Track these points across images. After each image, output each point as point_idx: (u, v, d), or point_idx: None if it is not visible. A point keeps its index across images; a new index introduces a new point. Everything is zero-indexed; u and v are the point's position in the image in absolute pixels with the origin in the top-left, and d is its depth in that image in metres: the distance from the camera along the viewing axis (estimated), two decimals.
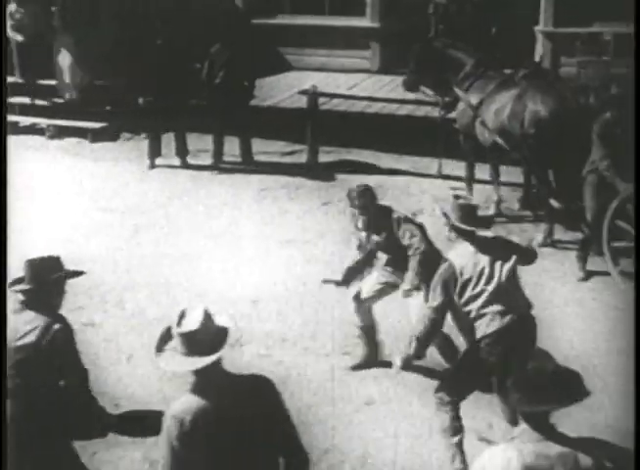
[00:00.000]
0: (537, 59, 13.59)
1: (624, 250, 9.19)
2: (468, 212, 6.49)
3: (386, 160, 12.84)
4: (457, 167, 11.71)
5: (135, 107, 12.77)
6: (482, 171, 11.25)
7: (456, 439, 6.36)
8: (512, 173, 11.34)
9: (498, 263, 6.36)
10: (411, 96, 12.53)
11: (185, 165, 12.72)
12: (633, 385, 5.81)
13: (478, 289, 6.31)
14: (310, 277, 9.39)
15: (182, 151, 12.74)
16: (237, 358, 7.94)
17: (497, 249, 6.44)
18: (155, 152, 12.68)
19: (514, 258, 6.41)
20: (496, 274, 6.33)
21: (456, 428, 6.37)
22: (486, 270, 6.31)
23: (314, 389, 7.40)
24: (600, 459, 4.08)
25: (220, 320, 4.73)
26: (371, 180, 12.00)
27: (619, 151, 8.90)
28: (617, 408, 7.15)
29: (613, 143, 8.97)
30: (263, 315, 8.69)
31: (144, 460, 6.67)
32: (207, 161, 12.86)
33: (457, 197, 6.82)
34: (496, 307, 6.29)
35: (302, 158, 12.96)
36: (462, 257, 6.39)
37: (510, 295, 6.36)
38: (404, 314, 7.73)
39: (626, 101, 9.08)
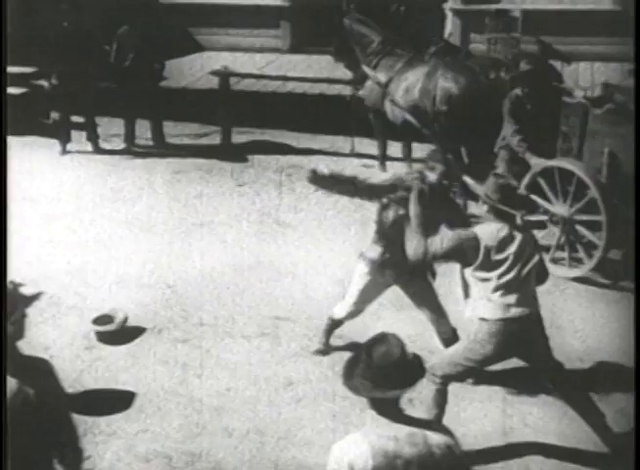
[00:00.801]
0: (447, 36, 13.71)
1: (537, 223, 9.32)
2: (509, 194, 6.22)
3: (299, 139, 12.81)
4: (371, 145, 11.74)
5: (43, 91, 12.53)
6: (395, 149, 11.31)
7: (434, 413, 6.30)
8: (425, 150, 11.42)
9: (525, 255, 6.14)
10: (324, 74, 12.57)
11: (97, 151, 12.52)
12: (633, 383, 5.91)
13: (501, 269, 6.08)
14: (226, 260, 9.36)
15: (93, 136, 12.54)
16: (154, 344, 7.92)
17: (530, 241, 6.25)
18: (65, 137, 12.46)
19: (537, 257, 6.24)
20: (519, 264, 6.12)
21: (438, 402, 6.31)
22: (512, 257, 6.07)
23: (234, 371, 7.37)
24: (448, 436, 4.16)
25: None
26: (286, 160, 12.08)
27: (530, 126, 9.02)
28: None
29: (523, 119, 9.07)
30: (180, 300, 8.62)
31: None
32: (120, 145, 12.70)
33: (497, 175, 6.58)
34: (511, 297, 6.12)
35: (216, 139, 12.86)
36: (489, 235, 6.09)
37: (525, 288, 6.22)
38: None
39: (537, 76, 9.21)
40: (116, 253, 9.56)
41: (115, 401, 7.09)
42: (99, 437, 6.70)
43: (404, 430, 4.10)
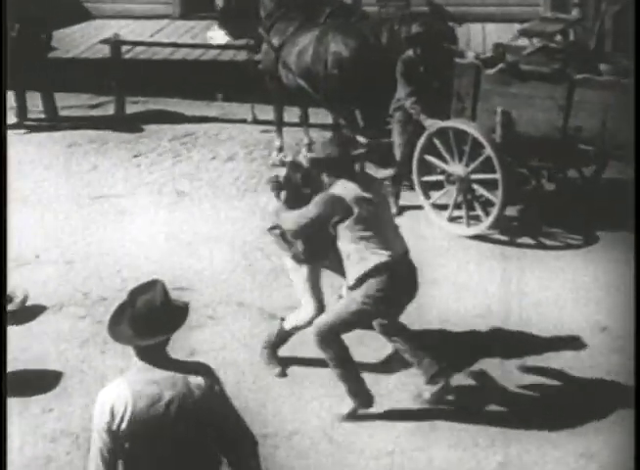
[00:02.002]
0: None
1: (434, 183, 9.43)
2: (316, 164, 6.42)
3: (194, 107, 12.70)
4: (267, 111, 11.68)
5: None
6: (292, 114, 11.28)
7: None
8: (321, 115, 11.41)
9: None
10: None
11: None
12: (633, 383, 6.00)
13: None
14: (125, 232, 9.26)
15: (6, 110, 12.18)
16: (56, 321, 7.81)
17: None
18: None
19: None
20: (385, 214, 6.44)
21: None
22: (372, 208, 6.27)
23: None
24: (209, 378, 4.28)
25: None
26: (181, 129, 11.97)
27: (423, 88, 9.08)
28: None
29: (416, 81, 9.13)
30: (80, 275, 8.51)
31: None
32: (12, 119, 12.37)
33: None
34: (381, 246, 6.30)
35: (109, 110, 12.66)
36: (348, 191, 6.25)
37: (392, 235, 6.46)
38: None
39: (428, 39, 9.26)
40: (12, 230, 9.36)
41: (23, 381, 7.01)
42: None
43: (165, 374, 4.20)
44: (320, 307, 6.86)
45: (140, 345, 4.21)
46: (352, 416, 6.58)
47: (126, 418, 4.15)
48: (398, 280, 6.36)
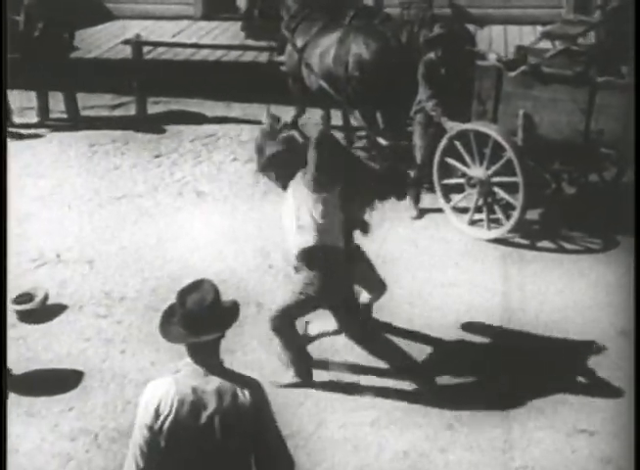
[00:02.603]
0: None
1: (455, 186, 9.42)
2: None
3: (215, 108, 12.72)
4: (287, 112, 11.67)
5: None
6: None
7: None
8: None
9: None
10: (237, 41, 12.46)
11: (10, 125, 12.23)
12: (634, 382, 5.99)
13: None
14: (145, 232, 9.29)
15: (6, 109, 12.24)
16: (76, 321, 7.84)
17: None
18: None
19: None
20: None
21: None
22: None
23: (157, 346, 7.32)
24: (258, 395, 4.25)
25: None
26: (202, 130, 11.99)
27: (444, 91, 9.07)
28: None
29: (437, 83, 9.11)
30: (101, 275, 8.54)
31: None
32: (34, 119, 12.44)
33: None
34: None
35: (131, 110, 12.69)
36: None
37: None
38: None
39: (451, 40, 9.25)
40: (33, 229, 9.42)
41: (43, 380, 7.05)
42: (22, 417, 6.65)
43: (215, 382, 4.19)
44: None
45: (194, 342, 4.20)
46: (290, 386, 6.85)
47: (168, 420, 4.15)
48: (326, 271, 6.50)
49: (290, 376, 6.91)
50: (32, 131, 12.08)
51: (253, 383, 4.30)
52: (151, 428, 4.17)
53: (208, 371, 4.22)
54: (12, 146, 11.53)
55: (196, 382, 4.19)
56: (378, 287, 7.29)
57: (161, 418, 4.16)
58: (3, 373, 6.02)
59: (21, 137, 11.79)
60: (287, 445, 4.38)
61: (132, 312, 7.90)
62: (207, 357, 4.24)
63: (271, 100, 11.86)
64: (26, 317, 7.83)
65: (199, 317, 4.19)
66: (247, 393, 4.21)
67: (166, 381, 4.22)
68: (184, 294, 4.25)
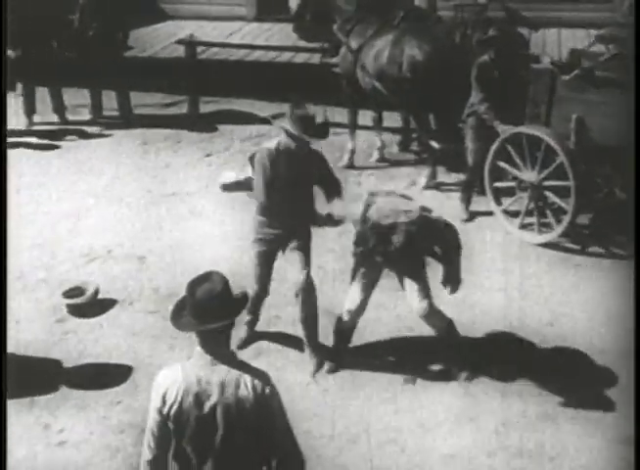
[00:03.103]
0: (417, 2, 13.63)
1: (506, 189, 9.37)
2: (308, 124, 6.77)
3: (267, 108, 12.74)
4: (339, 114, 11.67)
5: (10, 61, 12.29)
6: (364, 117, 11.27)
7: None
8: (394, 118, 11.40)
9: None
10: (290, 43, 12.49)
11: (64, 122, 12.37)
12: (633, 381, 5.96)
13: None
14: (195, 230, 9.34)
15: (60, 107, 12.38)
16: (125, 316, 7.91)
17: None
18: (30, 109, 12.27)
19: None
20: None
21: None
22: None
23: None
24: (264, 389, 4.32)
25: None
26: (253, 130, 12.03)
27: (498, 93, 9.03)
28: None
29: (491, 86, 9.07)
30: (150, 271, 8.61)
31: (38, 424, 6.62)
32: (86, 116, 12.56)
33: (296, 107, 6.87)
34: None
35: (183, 109, 12.78)
36: None
37: None
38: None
39: (505, 43, 9.21)
40: (85, 225, 9.52)
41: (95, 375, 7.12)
42: (71, 409, 6.71)
43: (221, 373, 4.30)
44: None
45: (203, 329, 4.32)
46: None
47: (174, 407, 4.30)
48: None
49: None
50: (85, 128, 12.21)
51: (262, 376, 4.38)
52: (160, 412, 4.33)
53: (217, 360, 4.33)
54: (64, 144, 11.70)
55: (202, 372, 4.31)
56: None
57: (168, 404, 4.30)
58: (3, 373, 6.08)
59: (83, 135, 11.95)
60: (297, 443, 4.42)
61: None
62: (217, 347, 4.35)
63: (323, 101, 11.91)
64: (76, 311, 7.91)
65: (207, 306, 4.32)
66: (251, 386, 4.30)
67: (175, 368, 4.38)
68: (194, 285, 4.38)
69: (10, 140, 11.13)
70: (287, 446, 4.39)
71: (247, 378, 4.31)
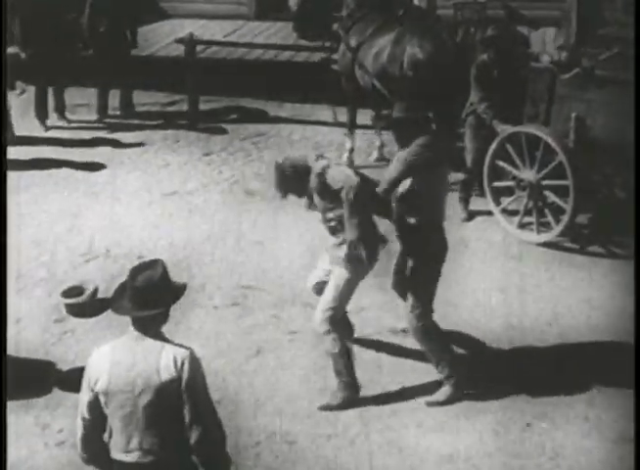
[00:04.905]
0: (416, 1, 13.61)
1: (505, 189, 9.36)
2: None
3: (267, 107, 12.75)
4: (340, 113, 11.66)
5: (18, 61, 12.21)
6: (365, 116, 11.26)
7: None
8: None
9: None
10: (290, 41, 12.48)
11: (66, 121, 12.27)
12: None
13: None
14: (195, 229, 9.34)
15: (60, 106, 12.31)
16: (124, 316, 7.87)
17: None
18: (44, 112, 12.09)
19: None
20: None
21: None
22: None
23: (204, 341, 7.37)
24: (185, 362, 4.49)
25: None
26: (253, 129, 12.03)
27: (497, 92, 9.02)
28: None
29: (490, 85, 9.07)
30: None
31: (36, 424, 6.62)
32: (87, 115, 12.50)
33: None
34: None
35: (183, 108, 12.76)
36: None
37: None
38: None
39: (504, 42, 9.20)
40: (84, 224, 9.51)
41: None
42: (70, 410, 6.70)
43: (146, 345, 4.51)
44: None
45: (137, 316, 4.52)
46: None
47: (101, 380, 4.51)
48: None
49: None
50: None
51: (183, 351, 4.53)
52: (88, 387, 4.56)
53: (146, 336, 4.53)
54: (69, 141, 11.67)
55: (129, 346, 4.54)
56: None
57: (95, 378, 4.53)
58: (3, 373, 6.08)
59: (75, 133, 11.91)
60: (218, 418, 4.59)
61: (178, 308, 7.90)
62: (149, 329, 4.55)
63: (323, 100, 11.93)
64: (75, 311, 7.90)
65: (144, 293, 4.51)
66: (172, 356, 4.48)
67: (105, 347, 4.62)
68: (135, 271, 4.59)
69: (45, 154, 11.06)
70: (207, 419, 4.52)
71: (168, 348, 4.51)
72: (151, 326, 4.55)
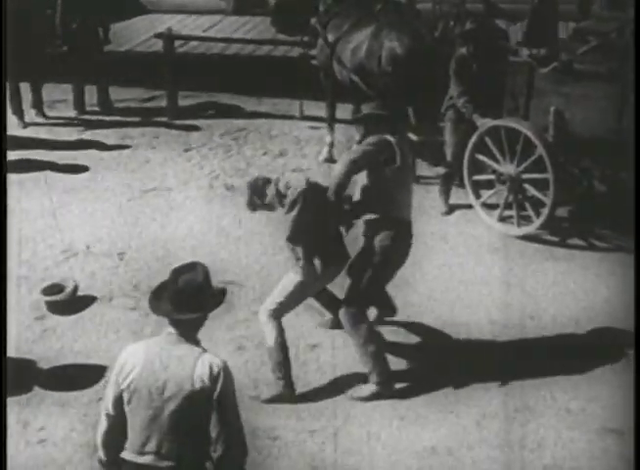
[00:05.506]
0: None
1: (485, 183, 9.38)
2: None
3: (246, 102, 12.72)
4: (318, 108, 11.66)
5: None
6: (344, 111, 11.26)
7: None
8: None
9: None
10: (269, 36, 12.46)
11: (45, 117, 12.21)
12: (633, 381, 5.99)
13: None
14: (175, 225, 9.31)
15: (38, 103, 12.25)
16: (105, 313, 7.88)
17: None
18: (18, 108, 12.02)
19: None
20: None
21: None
22: None
23: None
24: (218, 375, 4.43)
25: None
26: (233, 124, 12.00)
27: (476, 86, 9.04)
28: None
29: (469, 79, 9.08)
30: (130, 267, 8.58)
31: (18, 422, 6.60)
32: (65, 112, 12.43)
33: None
34: None
35: (162, 103, 12.68)
36: None
37: None
38: None
39: (483, 36, 9.22)
40: (64, 221, 9.47)
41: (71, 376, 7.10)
42: (51, 407, 6.69)
43: (183, 350, 4.46)
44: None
45: (177, 318, 4.46)
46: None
47: (130, 376, 4.45)
48: None
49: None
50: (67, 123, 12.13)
51: (220, 363, 4.47)
52: (116, 382, 4.50)
53: (182, 338, 4.48)
54: (46, 137, 11.60)
55: (165, 346, 4.46)
56: None
57: (124, 374, 4.47)
58: (3, 373, 6.06)
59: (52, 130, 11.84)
60: (243, 433, 4.52)
61: None
62: (186, 332, 4.48)
63: (302, 95, 11.92)
64: (56, 308, 7.87)
65: (186, 296, 4.48)
66: (208, 364, 4.42)
67: (140, 343, 4.58)
68: (177, 272, 4.54)
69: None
70: (233, 435, 4.46)
71: (205, 357, 4.45)
72: (189, 330, 4.50)
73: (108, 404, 4.54)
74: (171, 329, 4.50)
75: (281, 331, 6.80)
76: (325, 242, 6.76)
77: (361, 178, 6.80)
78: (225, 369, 4.45)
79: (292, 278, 6.83)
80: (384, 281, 6.95)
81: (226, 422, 4.43)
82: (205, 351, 4.50)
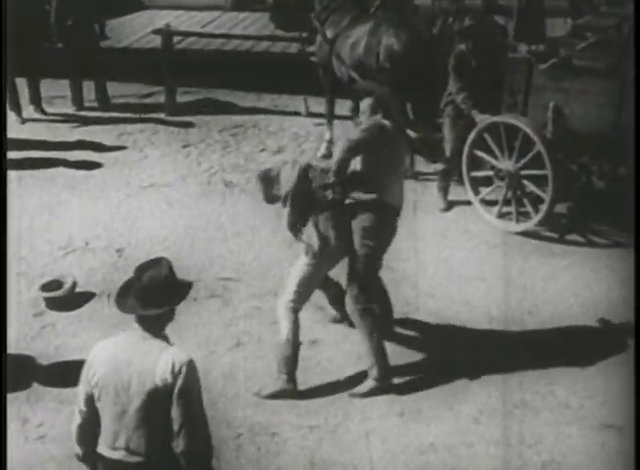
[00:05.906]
0: None
1: (484, 179, 9.38)
2: None
3: (244, 98, 12.71)
4: (318, 104, 11.65)
5: None
6: (343, 107, 11.25)
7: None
8: None
9: None
10: (267, 32, 12.46)
11: (43, 113, 12.20)
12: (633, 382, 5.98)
13: None
14: (174, 221, 9.31)
15: (36, 99, 12.23)
16: (103, 309, 7.87)
17: None
18: (16, 104, 12.02)
19: None
20: None
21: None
22: None
23: (184, 333, 7.34)
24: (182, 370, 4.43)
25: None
26: (231, 120, 11.99)
27: (475, 83, 9.03)
28: None
29: (468, 75, 9.08)
30: (129, 263, 8.55)
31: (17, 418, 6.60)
32: (63, 108, 12.42)
33: None
34: None
35: (160, 100, 12.69)
36: None
37: None
38: None
39: (481, 32, 9.22)
40: (62, 217, 9.47)
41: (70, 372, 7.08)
42: (50, 404, 6.69)
43: (148, 345, 4.49)
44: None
45: (143, 314, 4.50)
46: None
47: (98, 374, 4.52)
48: None
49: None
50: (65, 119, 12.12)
51: (183, 358, 4.47)
52: (86, 378, 4.57)
53: (149, 334, 4.52)
54: (45, 133, 11.59)
55: (131, 343, 4.51)
56: None
57: (92, 371, 4.55)
58: (3, 370, 6.06)
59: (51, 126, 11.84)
60: (207, 429, 4.54)
61: None
62: (152, 328, 4.54)
63: (303, 91, 11.90)
64: (54, 305, 7.87)
65: (151, 292, 4.51)
66: (171, 360, 4.43)
67: (109, 340, 4.62)
68: (142, 269, 4.58)
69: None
70: (196, 431, 4.46)
71: (169, 352, 4.47)
72: (155, 325, 4.54)
73: (80, 401, 4.61)
74: (137, 325, 4.55)
75: (297, 327, 6.82)
76: (325, 223, 6.86)
77: (355, 161, 6.84)
78: (189, 364, 4.45)
79: (300, 264, 6.85)
80: (377, 261, 6.98)
81: (189, 416, 4.43)
82: (170, 346, 4.52)
